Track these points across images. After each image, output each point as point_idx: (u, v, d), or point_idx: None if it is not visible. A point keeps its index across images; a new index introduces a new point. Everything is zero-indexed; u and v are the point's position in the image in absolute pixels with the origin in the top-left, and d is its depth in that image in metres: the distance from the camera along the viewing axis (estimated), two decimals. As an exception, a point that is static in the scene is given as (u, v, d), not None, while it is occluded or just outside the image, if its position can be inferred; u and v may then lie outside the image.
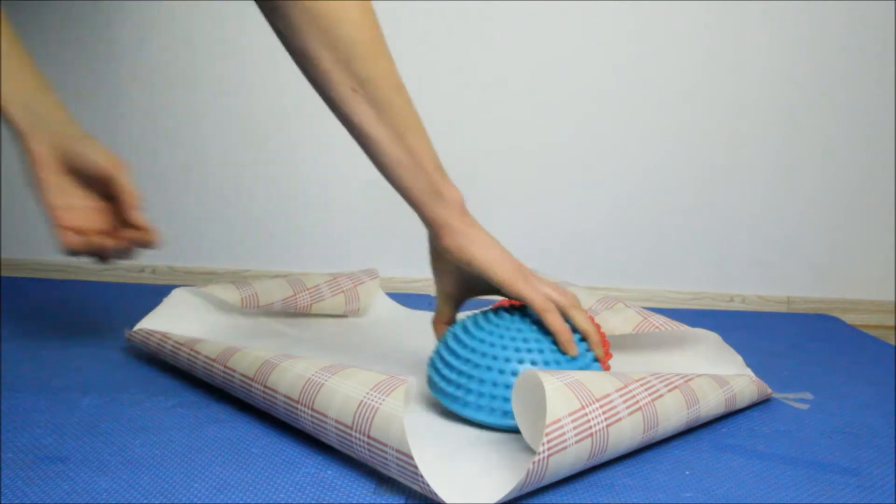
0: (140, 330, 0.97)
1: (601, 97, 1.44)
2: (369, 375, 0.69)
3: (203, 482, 0.64)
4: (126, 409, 0.79)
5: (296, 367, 0.74)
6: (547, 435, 0.61)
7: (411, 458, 0.60)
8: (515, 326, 0.79)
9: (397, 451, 0.61)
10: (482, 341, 0.78)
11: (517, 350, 0.77)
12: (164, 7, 1.43)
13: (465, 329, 0.81)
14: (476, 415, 0.76)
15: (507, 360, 0.76)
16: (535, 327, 0.79)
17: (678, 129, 1.45)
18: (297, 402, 0.71)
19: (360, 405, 0.65)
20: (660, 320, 1.02)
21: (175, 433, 0.74)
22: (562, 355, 0.78)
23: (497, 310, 0.84)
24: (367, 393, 0.66)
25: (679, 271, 1.48)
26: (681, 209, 1.47)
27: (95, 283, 1.43)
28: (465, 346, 0.79)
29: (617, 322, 1.03)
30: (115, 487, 0.63)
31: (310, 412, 0.70)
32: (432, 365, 0.82)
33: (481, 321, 0.81)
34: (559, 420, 0.62)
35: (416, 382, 0.68)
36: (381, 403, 0.64)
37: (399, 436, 0.61)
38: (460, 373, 0.77)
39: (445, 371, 0.79)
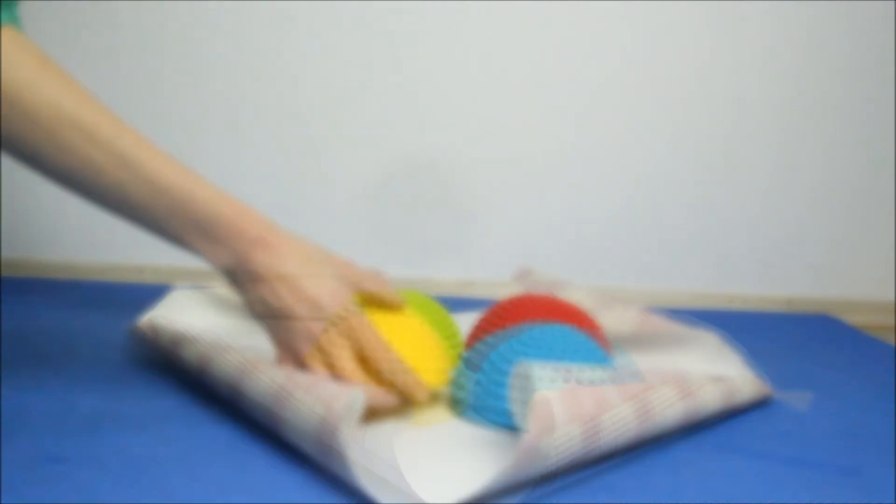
0: (150, 323, 0.96)
1: (600, 97, 1.44)
2: (326, 390, 0.68)
3: (203, 482, 0.64)
4: (126, 409, 0.79)
5: (261, 381, 0.73)
6: (535, 412, 0.61)
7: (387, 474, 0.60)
8: (558, 349, 0.81)
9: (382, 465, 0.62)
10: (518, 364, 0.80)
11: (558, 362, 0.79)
12: (165, 7, 1.43)
13: (511, 349, 0.83)
14: (510, 420, 0.77)
15: (556, 370, 0.78)
16: (562, 345, 0.81)
17: (678, 129, 1.45)
18: (276, 420, 0.71)
19: (319, 426, 0.64)
20: (657, 320, 1.02)
21: (175, 433, 0.74)
22: (590, 363, 0.79)
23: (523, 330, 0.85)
24: (324, 416, 0.64)
25: (679, 271, 1.48)
26: (681, 209, 1.47)
27: (95, 283, 1.43)
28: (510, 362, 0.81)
29: (615, 323, 1.03)
30: (115, 487, 0.62)
31: (286, 431, 0.69)
32: (457, 383, 0.83)
33: (525, 339, 0.83)
34: (548, 400, 0.62)
35: (363, 396, 0.67)
36: (335, 427, 0.63)
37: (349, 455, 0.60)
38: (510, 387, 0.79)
39: (494, 388, 0.80)
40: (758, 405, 0.88)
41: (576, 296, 1.12)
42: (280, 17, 1.43)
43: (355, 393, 0.66)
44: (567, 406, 0.64)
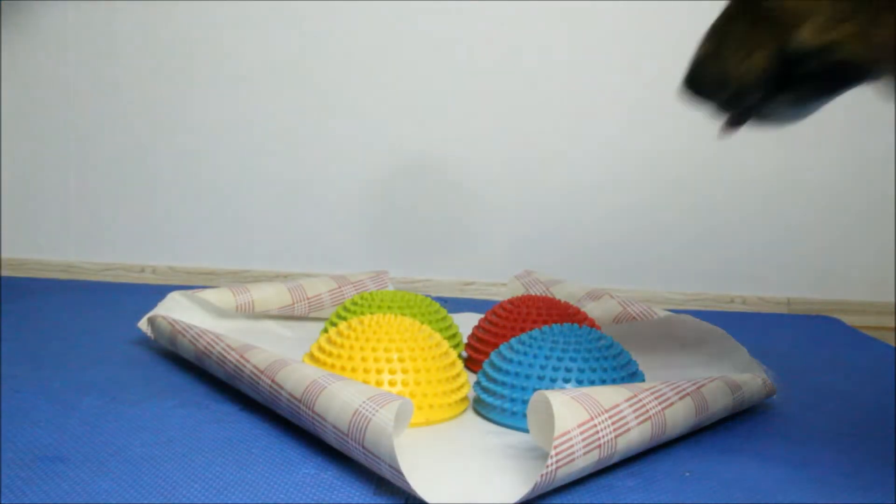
0: (164, 315, 0.96)
1: (600, 97, 1.44)
2: (369, 387, 0.69)
3: (203, 482, 0.64)
4: (126, 409, 0.79)
5: (304, 368, 0.75)
6: (555, 448, 0.61)
7: (402, 473, 0.60)
8: (559, 346, 0.81)
9: (389, 465, 0.62)
10: (520, 363, 0.81)
11: (559, 361, 0.80)
12: (165, 7, 1.43)
13: (511, 349, 0.83)
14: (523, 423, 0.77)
15: (556, 368, 0.79)
16: (573, 344, 0.82)
17: (678, 130, 1.45)
18: (300, 401, 0.71)
19: (355, 413, 0.65)
20: (638, 309, 1.02)
21: (175, 433, 0.74)
22: (597, 362, 0.80)
23: (533, 332, 0.85)
24: (363, 402, 0.66)
25: (679, 272, 1.48)
26: (681, 209, 1.47)
27: (96, 283, 1.43)
28: (512, 362, 0.81)
29: (599, 313, 1.04)
30: (115, 487, 0.62)
31: (310, 413, 0.70)
32: (479, 386, 0.83)
33: (525, 339, 0.84)
34: (568, 432, 0.62)
35: (410, 404, 0.68)
36: (373, 415, 0.64)
37: (389, 451, 0.61)
38: (513, 387, 0.79)
39: (499, 388, 0.80)
40: (758, 405, 0.88)
41: (574, 293, 1.12)
42: (282, 18, 1.43)
43: (405, 401, 0.66)
44: (566, 406, 0.64)
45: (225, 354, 0.83)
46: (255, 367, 0.78)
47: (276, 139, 1.46)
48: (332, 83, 1.44)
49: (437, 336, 0.85)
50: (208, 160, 1.47)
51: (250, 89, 1.45)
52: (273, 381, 0.75)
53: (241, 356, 0.80)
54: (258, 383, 0.77)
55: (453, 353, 0.85)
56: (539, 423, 0.67)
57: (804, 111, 0.63)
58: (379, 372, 0.79)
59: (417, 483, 0.60)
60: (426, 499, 0.60)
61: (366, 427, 0.64)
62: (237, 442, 0.73)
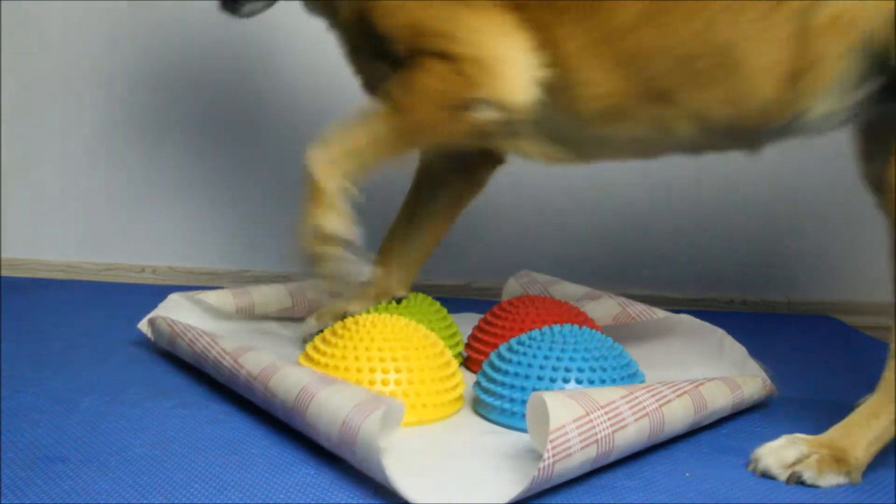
0: (164, 317, 0.97)
1: (601, 98, 1.44)
2: (356, 392, 0.69)
3: (203, 482, 0.64)
4: (126, 409, 0.79)
5: (296, 372, 0.74)
6: (551, 441, 0.61)
7: (394, 486, 0.60)
8: (559, 346, 0.81)
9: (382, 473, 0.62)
10: (520, 363, 0.80)
11: (558, 361, 0.80)
12: (165, 7, 1.43)
13: (511, 349, 0.83)
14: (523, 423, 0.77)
15: (556, 368, 0.79)
16: (573, 344, 0.82)
17: (678, 130, 1.45)
18: (292, 409, 0.71)
19: (343, 425, 0.65)
20: (637, 309, 1.02)
21: (175, 433, 0.74)
22: (597, 362, 0.80)
23: (533, 332, 0.85)
24: (349, 413, 0.65)
25: (679, 273, 1.48)
26: (680, 211, 1.47)
27: (96, 284, 1.43)
28: (511, 362, 0.81)
29: (599, 314, 1.04)
30: (115, 487, 0.63)
31: (303, 421, 0.70)
32: (479, 386, 0.83)
33: (525, 339, 0.84)
34: (563, 426, 0.62)
35: (400, 405, 0.67)
36: (360, 428, 0.64)
37: (378, 465, 0.61)
38: (513, 387, 0.79)
39: (498, 389, 0.80)
40: (758, 405, 0.88)
41: (572, 293, 1.12)
42: (280, 18, 1.43)
43: (396, 403, 0.66)
44: (561, 402, 0.64)
45: (220, 360, 0.83)
46: (248, 372, 0.78)
47: (276, 140, 1.46)
48: (332, 83, 1.44)
49: (433, 335, 0.85)
50: (208, 161, 1.47)
51: (250, 90, 1.45)
52: (266, 387, 0.75)
53: (235, 361, 0.80)
54: (253, 389, 0.77)
55: (448, 353, 0.85)
56: (536, 423, 0.67)
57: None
58: (372, 371, 0.79)
59: (411, 489, 0.60)
60: (422, 500, 0.60)
61: (354, 439, 0.64)
62: (237, 442, 0.73)
